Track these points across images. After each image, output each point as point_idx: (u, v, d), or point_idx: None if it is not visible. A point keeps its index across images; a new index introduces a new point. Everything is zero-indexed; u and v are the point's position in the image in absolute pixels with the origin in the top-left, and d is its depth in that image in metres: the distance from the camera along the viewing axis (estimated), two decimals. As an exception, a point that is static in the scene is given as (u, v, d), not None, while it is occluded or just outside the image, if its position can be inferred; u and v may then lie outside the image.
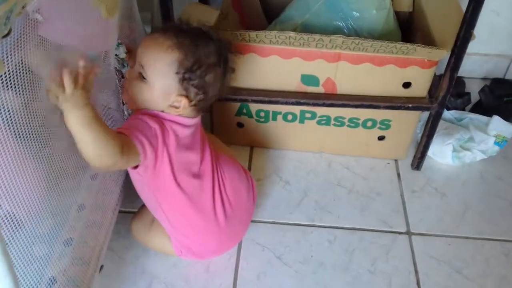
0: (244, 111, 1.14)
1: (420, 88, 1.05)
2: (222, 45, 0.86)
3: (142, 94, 0.82)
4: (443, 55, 0.97)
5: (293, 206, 1.09)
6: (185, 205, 0.88)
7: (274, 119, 1.14)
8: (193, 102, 0.83)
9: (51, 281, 0.78)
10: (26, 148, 0.74)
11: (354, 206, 1.10)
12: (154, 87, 0.81)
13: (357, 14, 1.04)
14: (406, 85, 1.04)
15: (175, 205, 0.88)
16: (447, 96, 1.03)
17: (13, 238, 0.67)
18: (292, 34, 0.96)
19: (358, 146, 1.18)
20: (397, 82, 1.04)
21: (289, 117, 1.13)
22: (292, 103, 1.07)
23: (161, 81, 0.81)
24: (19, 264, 0.68)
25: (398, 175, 1.17)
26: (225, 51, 0.87)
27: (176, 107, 0.83)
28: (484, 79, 1.47)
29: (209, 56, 0.82)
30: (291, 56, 1.02)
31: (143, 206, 0.99)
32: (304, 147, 1.20)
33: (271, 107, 1.12)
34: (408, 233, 1.05)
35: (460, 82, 1.40)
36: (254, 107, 1.13)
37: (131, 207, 1.04)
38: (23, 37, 0.72)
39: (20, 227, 0.70)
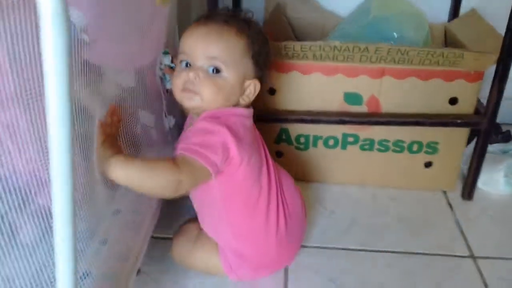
0: (284, 137, 1.10)
1: (467, 104, 1.02)
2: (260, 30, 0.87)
3: (221, 90, 0.77)
4: (491, 61, 0.96)
5: (342, 232, 1.00)
6: (252, 207, 0.81)
7: (315, 144, 1.10)
8: (261, 81, 0.82)
9: (84, 275, 0.69)
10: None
11: (408, 233, 1.00)
12: (233, 77, 0.77)
13: (397, 35, 1.05)
14: (453, 101, 1.02)
15: (243, 207, 0.81)
16: (497, 110, 1.00)
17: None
18: (337, 43, 0.96)
19: (404, 176, 1.12)
20: (443, 98, 1.01)
21: (331, 142, 1.09)
22: (335, 122, 1.03)
23: (240, 69, 0.78)
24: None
25: (450, 205, 1.09)
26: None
27: (248, 94, 0.81)
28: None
29: (265, 38, 0.84)
30: (334, 73, 1.01)
31: (186, 223, 0.92)
32: (346, 179, 1.14)
33: (312, 130, 1.08)
34: (472, 257, 0.95)
35: (497, 126, 1.37)
36: (294, 131, 1.09)
37: (166, 233, 0.95)
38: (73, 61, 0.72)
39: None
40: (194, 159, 0.71)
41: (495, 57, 0.95)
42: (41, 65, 0.59)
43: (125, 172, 0.68)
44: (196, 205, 0.87)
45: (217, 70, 0.76)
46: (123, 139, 0.90)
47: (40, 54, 0.49)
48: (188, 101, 0.78)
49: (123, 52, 0.84)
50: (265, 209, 0.82)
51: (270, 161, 0.86)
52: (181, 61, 0.79)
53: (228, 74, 0.77)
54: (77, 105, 0.76)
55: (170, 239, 0.92)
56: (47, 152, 0.67)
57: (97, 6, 0.77)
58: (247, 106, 0.84)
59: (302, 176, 1.13)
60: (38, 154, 0.67)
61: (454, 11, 1.27)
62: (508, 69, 0.96)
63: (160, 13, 0.91)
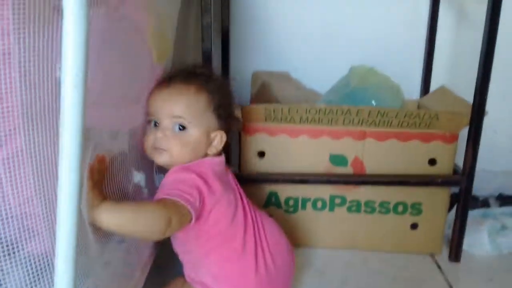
0: (273, 200, 1.12)
1: (445, 165, 1.08)
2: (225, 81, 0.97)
3: (188, 145, 0.83)
4: (464, 122, 1.04)
5: (334, 291, 0.99)
6: (228, 248, 0.83)
7: (304, 207, 1.12)
8: (226, 131, 0.88)
9: None
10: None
11: (401, 291, 1.00)
12: (197, 132, 0.83)
13: (375, 103, 1.13)
14: (432, 162, 1.08)
15: (218, 249, 0.82)
16: (474, 168, 1.05)
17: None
18: (322, 106, 1.03)
19: (392, 238, 1.13)
20: (423, 158, 1.07)
21: (319, 204, 1.12)
22: (323, 182, 1.07)
23: (204, 123, 0.84)
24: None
25: (439, 267, 1.10)
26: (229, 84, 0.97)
27: (215, 145, 0.86)
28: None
29: (226, 88, 0.92)
30: (319, 135, 1.07)
31: (174, 279, 0.91)
32: (335, 242, 1.14)
33: (300, 192, 1.11)
34: (467, 312, 0.94)
35: (475, 199, 1.43)
36: (283, 194, 1.12)
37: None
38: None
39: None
40: (177, 200, 0.75)
41: (467, 117, 1.03)
42: (51, 92, 0.61)
43: (115, 217, 0.68)
44: (178, 252, 0.89)
45: (182, 127, 0.83)
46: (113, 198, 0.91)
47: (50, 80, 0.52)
48: (158, 157, 0.84)
49: (118, 115, 0.89)
50: (241, 250, 0.84)
51: (246, 201, 0.90)
52: (149, 121, 0.85)
53: (193, 130, 0.83)
54: None
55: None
56: (42, 193, 0.68)
57: (95, 70, 0.82)
58: (217, 155, 0.89)
59: (291, 240, 1.13)
60: (34, 197, 0.67)
61: (425, 89, 1.38)
62: (480, 130, 1.04)
63: (156, 70, 0.97)
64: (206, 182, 0.80)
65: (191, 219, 0.76)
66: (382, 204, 1.11)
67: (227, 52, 1.34)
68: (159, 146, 0.83)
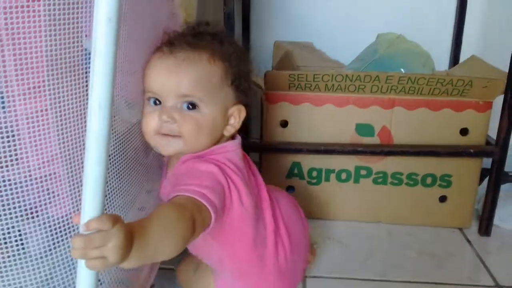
0: (296, 171, 1.09)
1: (478, 135, 1.03)
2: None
3: (203, 128, 0.67)
4: (500, 88, 0.98)
5: (360, 264, 0.96)
6: (246, 240, 0.73)
7: (327, 179, 1.08)
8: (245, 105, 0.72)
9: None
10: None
11: (429, 265, 0.96)
12: (213, 111, 0.67)
13: (404, 70, 1.08)
14: (463, 132, 1.03)
15: (238, 242, 0.73)
16: (509, 138, 1.00)
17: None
18: (348, 72, 0.99)
19: (419, 212, 1.09)
20: (454, 128, 1.03)
21: (343, 175, 1.08)
22: (348, 152, 1.03)
23: (220, 99, 0.68)
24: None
25: (468, 241, 1.06)
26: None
27: (233, 124, 0.71)
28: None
29: (244, 53, 0.75)
30: (345, 104, 1.03)
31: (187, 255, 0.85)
32: (360, 215, 1.11)
33: (324, 164, 1.07)
34: (498, 286, 0.90)
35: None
36: (306, 165, 1.08)
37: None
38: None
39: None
40: (196, 199, 0.60)
41: (503, 84, 0.98)
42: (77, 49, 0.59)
43: (146, 255, 0.52)
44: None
45: (192, 106, 0.67)
46: (133, 171, 0.89)
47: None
48: (166, 146, 0.68)
49: (135, 82, 0.86)
50: (261, 240, 0.75)
51: (263, 187, 0.79)
52: (148, 98, 0.69)
53: (207, 109, 0.67)
54: None
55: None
56: (66, 153, 0.66)
57: (123, 33, 0.78)
58: (233, 136, 0.74)
59: (315, 212, 1.11)
60: (57, 158, 0.65)
61: (455, 60, 1.33)
62: (517, 97, 0.98)
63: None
64: (226, 174, 0.66)
65: (211, 220, 0.61)
66: (409, 176, 1.07)
67: (248, 20, 1.30)
68: (168, 133, 0.67)
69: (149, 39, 0.76)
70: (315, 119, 1.04)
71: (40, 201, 0.65)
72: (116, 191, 0.81)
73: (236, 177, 0.68)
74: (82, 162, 0.53)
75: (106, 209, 0.74)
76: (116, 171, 0.83)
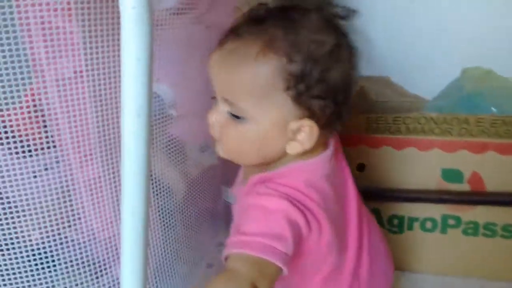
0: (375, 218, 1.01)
1: None
2: (331, 9, 0.54)
3: (247, 141, 0.56)
4: None
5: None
6: (329, 272, 0.64)
7: (411, 227, 1.00)
8: (322, 122, 0.55)
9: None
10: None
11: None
12: (258, 122, 0.54)
13: (496, 110, 0.98)
14: None
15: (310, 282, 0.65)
16: None
17: None
18: (434, 115, 0.91)
19: (516, 267, 0.98)
20: (558, 175, 0.91)
21: (428, 224, 0.99)
22: (434, 201, 0.94)
23: (265, 108, 0.53)
24: None
25: None
26: (337, 21, 0.55)
27: (301, 141, 0.55)
28: None
29: (322, 40, 0.52)
30: (429, 148, 0.94)
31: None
32: (447, 269, 1.00)
33: (406, 211, 0.99)
34: None
35: None
36: (386, 212, 1.00)
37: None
38: (157, 135, 0.71)
39: None
40: (262, 258, 0.51)
41: None
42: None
43: None
44: None
45: (235, 116, 0.56)
46: (203, 217, 0.86)
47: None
48: (216, 147, 0.61)
49: (205, 127, 0.84)
50: (337, 272, 0.64)
51: (355, 205, 0.67)
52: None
53: (253, 121, 0.54)
54: (158, 182, 0.73)
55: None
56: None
57: (186, 81, 0.77)
58: (313, 149, 0.57)
59: (396, 264, 1.02)
60: (115, 219, 0.64)
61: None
62: None
63: None
64: (302, 206, 0.55)
65: (281, 272, 0.53)
66: (505, 228, 0.95)
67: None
68: (213, 134, 0.60)
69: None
70: (396, 162, 0.97)
71: (106, 259, 0.64)
72: (184, 244, 0.79)
73: (314, 206, 0.56)
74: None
75: (172, 266, 0.72)
76: (184, 220, 0.80)
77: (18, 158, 0.53)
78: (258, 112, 0.54)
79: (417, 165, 0.96)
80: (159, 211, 0.75)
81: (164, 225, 0.74)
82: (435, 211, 0.98)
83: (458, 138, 0.93)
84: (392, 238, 1.01)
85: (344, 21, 0.56)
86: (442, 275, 1.01)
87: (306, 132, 0.55)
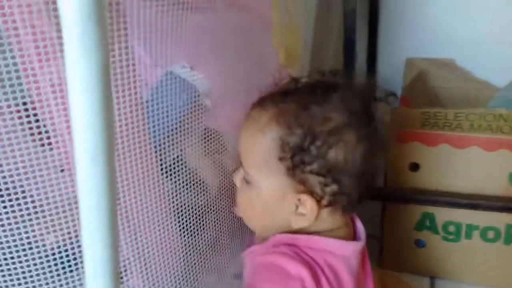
0: (428, 223, 0.90)
1: None
2: (355, 94, 0.53)
3: (250, 204, 0.58)
4: None
5: None
6: None
7: (469, 236, 0.88)
8: (325, 200, 0.52)
9: None
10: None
11: None
12: (260, 189, 0.55)
13: None
14: None
15: None
16: None
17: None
18: (503, 111, 0.78)
19: None
20: None
21: (490, 234, 0.87)
22: (498, 209, 0.83)
23: (264, 176, 0.54)
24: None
25: None
26: (360, 103, 0.53)
27: (306, 214, 0.53)
28: None
29: (328, 117, 0.51)
30: (497, 148, 0.82)
31: None
32: (505, 282, 0.89)
33: (465, 218, 0.87)
34: None
35: None
36: (441, 217, 0.89)
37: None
38: (191, 126, 0.66)
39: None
40: None
41: None
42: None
43: None
44: None
45: (246, 179, 0.57)
46: (235, 218, 0.80)
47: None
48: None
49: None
50: None
51: None
52: None
53: (254, 183, 0.56)
54: (193, 176, 0.69)
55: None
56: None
57: (221, 70, 0.71)
58: (341, 235, 0.56)
59: (449, 273, 0.92)
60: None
61: None
62: None
63: (284, 74, 0.83)
64: (318, 282, 0.51)
65: None
66: None
67: (375, 39, 1.13)
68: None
69: (247, 74, 0.70)
70: (455, 163, 0.85)
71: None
72: (214, 248, 0.74)
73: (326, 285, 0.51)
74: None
75: (198, 274, 0.66)
76: (216, 220, 0.75)
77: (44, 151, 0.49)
78: (260, 179, 0.55)
79: (480, 167, 0.84)
80: (190, 209, 0.70)
81: (194, 224, 0.69)
82: (499, 219, 0.86)
83: (532, 138, 0.80)
84: (446, 246, 0.91)
85: (380, 101, 0.61)
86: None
87: (306, 207, 0.53)
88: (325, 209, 0.53)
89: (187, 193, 0.68)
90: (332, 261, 0.53)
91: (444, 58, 1.14)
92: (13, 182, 0.48)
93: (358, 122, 0.52)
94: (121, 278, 0.60)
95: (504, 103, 0.90)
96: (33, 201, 0.52)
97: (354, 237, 0.60)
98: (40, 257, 0.55)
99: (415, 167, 0.88)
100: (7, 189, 0.48)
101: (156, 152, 0.61)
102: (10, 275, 0.51)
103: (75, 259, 0.57)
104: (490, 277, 0.90)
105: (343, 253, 0.54)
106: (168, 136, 0.63)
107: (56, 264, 0.56)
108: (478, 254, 0.89)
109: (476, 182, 0.84)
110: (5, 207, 0.48)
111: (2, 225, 0.48)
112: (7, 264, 0.49)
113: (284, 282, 0.51)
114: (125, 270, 0.60)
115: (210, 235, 0.76)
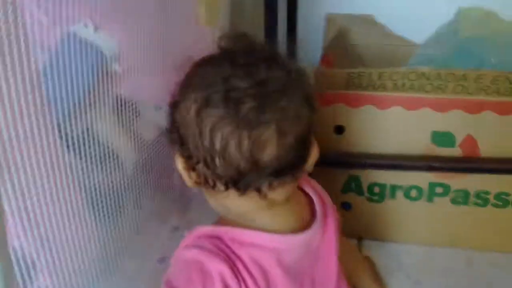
0: (353, 185, 0.90)
1: None
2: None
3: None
4: None
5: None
6: None
7: (393, 196, 0.89)
8: (191, 162, 0.48)
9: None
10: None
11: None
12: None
13: (495, 60, 0.85)
14: None
15: None
16: None
17: None
18: (425, 70, 0.77)
19: (508, 237, 0.89)
20: (562, 139, 0.80)
21: (413, 193, 0.88)
22: (421, 168, 0.83)
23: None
24: None
25: None
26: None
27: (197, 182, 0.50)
28: None
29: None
30: (419, 107, 0.81)
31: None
32: (432, 239, 0.91)
33: (389, 179, 0.87)
34: None
35: None
36: (366, 179, 0.88)
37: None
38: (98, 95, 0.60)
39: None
40: None
41: None
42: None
43: None
44: None
45: None
46: (156, 194, 0.75)
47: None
48: None
49: (161, 85, 0.71)
50: None
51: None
52: None
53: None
54: (105, 149, 0.63)
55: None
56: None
57: (131, 31, 0.64)
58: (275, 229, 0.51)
59: (376, 233, 0.92)
60: None
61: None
62: None
63: (205, 34, 0.76)
64: (240, 279, 0.49)
65: None
66: (498, 196, 0.85)
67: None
68: None
69: (166, 36, 0.67)
70: (379, 124, 0.84)
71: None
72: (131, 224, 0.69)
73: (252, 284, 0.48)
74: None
75: (117, 260, 0.61)
76: (133, 199, 0.70)
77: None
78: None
79: (403, 127, 0.83)
80: (105, 188, 0.63)
81: (107, 205, 0.63)
82: (420, 178, 0.86)
83: (452, 96, 0.79)
84: (372, 206, 0.91)
85: None
86: (426, 246, 0.92)
87: (178, 166, 0.51)
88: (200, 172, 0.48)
89: (99, 171, 0.63)
90: (258, 255, 0.49)
91: (364, 14, 1.12)
92: None
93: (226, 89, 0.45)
94: (29, 275, 0.53)
95: (425, 61, 0.89)
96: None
97: (312, 215, 0.57)
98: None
99: (340, 130, 0.85)
100: None
101: (58, 126, 0.53)
102: None
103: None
104: (415, 235, 0.92)
105: (274, 246, 0.50)
106: (72, 107, 0.56)
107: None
108: (402, 213, 0.90)
109: (400, 143, 0.84)
110: None
111: None
112: None
113: (203, 283, 0.47)
114: (34, 265, 0.53)
115: (130, 217, 0.70)
